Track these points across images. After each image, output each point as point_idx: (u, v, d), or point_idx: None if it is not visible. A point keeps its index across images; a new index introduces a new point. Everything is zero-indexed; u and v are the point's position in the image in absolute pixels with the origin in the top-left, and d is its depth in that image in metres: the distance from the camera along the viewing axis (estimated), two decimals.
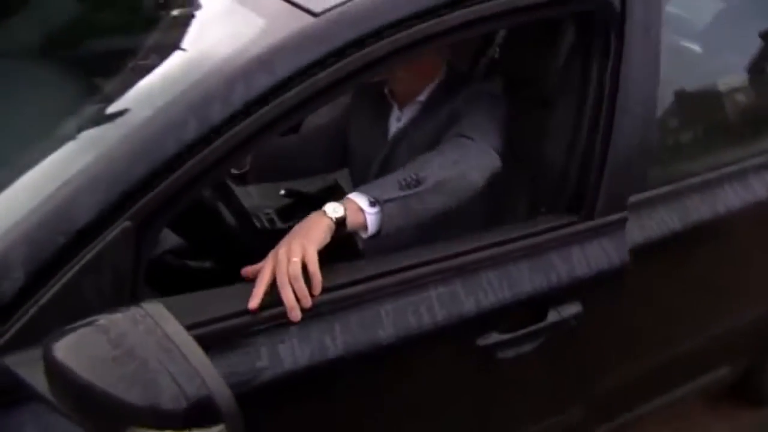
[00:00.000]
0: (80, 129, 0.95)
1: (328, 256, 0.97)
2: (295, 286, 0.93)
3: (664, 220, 1.30)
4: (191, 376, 0.67)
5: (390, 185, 1.06)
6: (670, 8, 1.38)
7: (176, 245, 1.26)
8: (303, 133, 1.70)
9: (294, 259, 0.93)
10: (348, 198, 1.04)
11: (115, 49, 1.14)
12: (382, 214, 1.02)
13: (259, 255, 1.22)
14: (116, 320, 0.73)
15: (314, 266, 0.94)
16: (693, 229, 1.34)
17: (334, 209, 1.01)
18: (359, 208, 1.02)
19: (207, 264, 1.22)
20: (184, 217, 1.15)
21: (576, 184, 1.23)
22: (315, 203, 1.72)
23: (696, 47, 1.63)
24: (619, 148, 1.20)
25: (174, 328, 0.72)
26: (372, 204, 1.02)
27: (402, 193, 1.04)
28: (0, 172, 0.91)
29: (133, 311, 0.74)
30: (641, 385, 1.50)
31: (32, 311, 0.80)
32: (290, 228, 1.65)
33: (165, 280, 1.09)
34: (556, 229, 1.20)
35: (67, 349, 0.71)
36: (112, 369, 0.68)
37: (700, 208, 1.36)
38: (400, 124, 1.41)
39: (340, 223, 1.00)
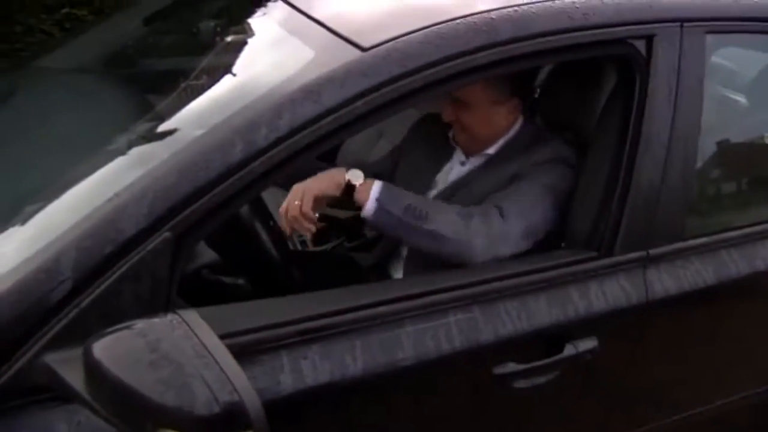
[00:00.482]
0: (132, 144, 1.01)
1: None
2: (295, 226, 1.26)
3: (699, 271, 1.30)
4: (224, 382, 0.70)
5: (402, 201, 1.23)
6: (716, 59, 1.38)
7: (212, 260, 1.31)
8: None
9: (295, 203, 1.25)
10: (373, 180, 1.24)
11: (170, 69, 1.21)
12: (376, 213, 1.22)
13: (291, 276, 1.27)
14: (154, 325, 0.77)
15: (306, 208, 1.25)
16: (730, 283, 1.33)
17: (354, 176, 1.26)
18: (369, 191, 1.23)
19: (241, 281, 1.27)
20: (221, 234, 1.20)
21: (596, 220, 1.26)
22: (347, 228, 1.77)
23: (742, 99, 1.63)
24: (641, 188, 1.23)
25: (208, 335, 0.76)
26: (377, 200, 1.22)
27: (400, 215, 1.22)
28: (56, 180, 0.97)
29: (170, 317, 0.78)
30: None
31: (73, 313, 0.85)
32: (323, 251, 1.72)
33: (200, 294, 1.13)
34: (575, 263, 1.22)
35: (106, 349, 0.76)
36: (148, 371, 0.72)
37: (738, 263, 1.35)
38: (464, 169, 1.41)
39: (351, 188, 1.24)
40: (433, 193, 1.45)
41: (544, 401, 1.22)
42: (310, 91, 0.97)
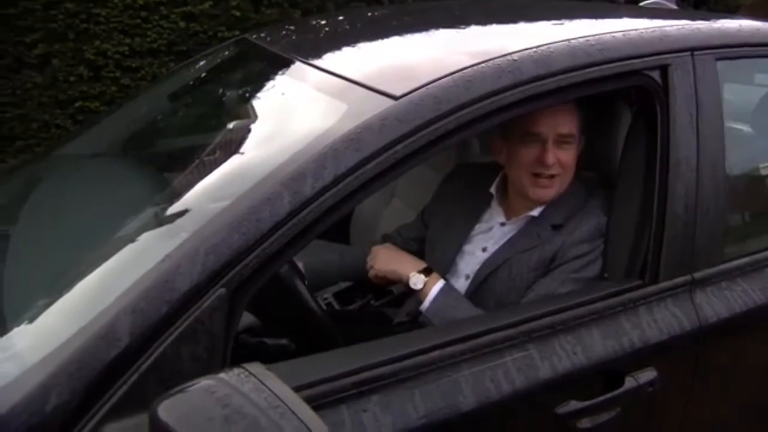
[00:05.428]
0: (177, 205, 1.02)
1: None
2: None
3: (746, 292, 1.29)
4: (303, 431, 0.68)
5: (453, 312, 1.32)
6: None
7: (250, 324, 1.29)
8: (364, 247, 1.71)
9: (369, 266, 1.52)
10: (434, 283, 1.36)
11: (207, 135, 1.24)
12: (429, 312, 1.36)
13: (332, 332, 1.25)
14: (222, 381, 0.75)
15: (371, 275, 1.55)
16: None
17: (415, 281, 1.38)
18: (427, 296, 1.36)
19: (284, 341, 1.24)
20: (260, 295, 1.19)
21: (636, 249, 1.25)
22: (373, 287, 1.75)
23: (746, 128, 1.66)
24: (677, 213, 1.23)
25: (279, 386, 0.74)
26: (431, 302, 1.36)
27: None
28: (108, 245, 0.98)
29: (237, 371, 0.76)
30: None
31: (133, 379, 0.83)
32: (353, 310, 1.70)
33: (243, 359, 1.10)
34: (622, 293, 1.21)
35: (175, 411, 0.73)
36: (223, 428, 0.70)
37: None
38: (504, 235, 1.40)
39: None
40: (468, 248, 1.44)
41: None
42: (350, 139, 0.99)
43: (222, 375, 0.76)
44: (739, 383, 1.32)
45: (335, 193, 0.95)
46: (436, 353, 1.03)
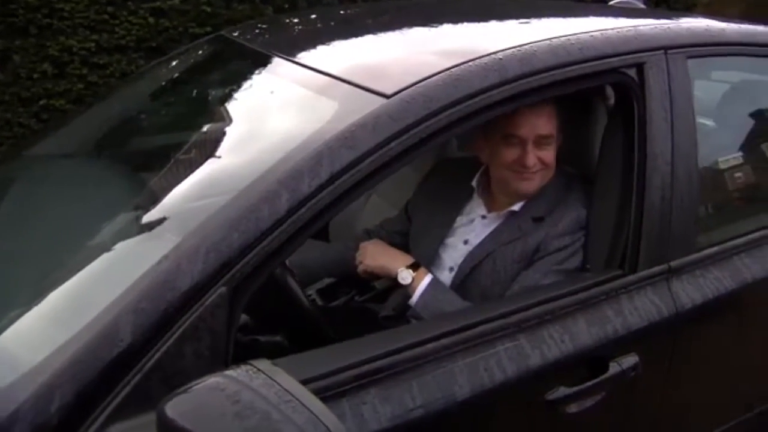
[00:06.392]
0: (175, 206, 1.02)
1: None
2: None
3: (719, 279, 1.35)
4: (315, 423, 0.69)
5: (441, 306, 1.34)
6: None
7: (242, 322, 1.29)
8: (346, 243, 1.72)
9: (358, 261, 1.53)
10: (421, 279, 1.38)
11: (196, 134, 1.23)
12: (418, 306, 1.39)
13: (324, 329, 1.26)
14: (230, 378, 0.76)
15: (359, 270, 1.54)
16: (747, 287, 1.39)
17: (403, 276, 1.40)
18: (415, 291, 1.38)
19: (278, 338, 1.25)
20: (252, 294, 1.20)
21: (616, 240, 1.30)
22: (356, 283, 1.78)
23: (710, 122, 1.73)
24: (654, 204, 1.29)
25: (288, 381, 0.75)
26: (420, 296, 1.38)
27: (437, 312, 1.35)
28: (108, 245, 0.97)
29: (244, 368, 0.77)
30: None
31: (136, 379, 0.83)
32: (337, 306, 1.71)
33: (237, 357, 1.11)
34: (604, 282, 1.25)
35: (185, 409, 0.74)
36: (234, 423, 0.71)
37: (750, 267, 1.40)
38: (486, 228, 1.43)
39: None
40: (451, 240, 1.47)
41: (595, 425, 1.22)
42: (345, 138, 1.00)
43: (229, 372, 0.77)
44: (713, 366, 1.39)
45: (332, 191, 0.97)
46: (431, 345, 1.05)
